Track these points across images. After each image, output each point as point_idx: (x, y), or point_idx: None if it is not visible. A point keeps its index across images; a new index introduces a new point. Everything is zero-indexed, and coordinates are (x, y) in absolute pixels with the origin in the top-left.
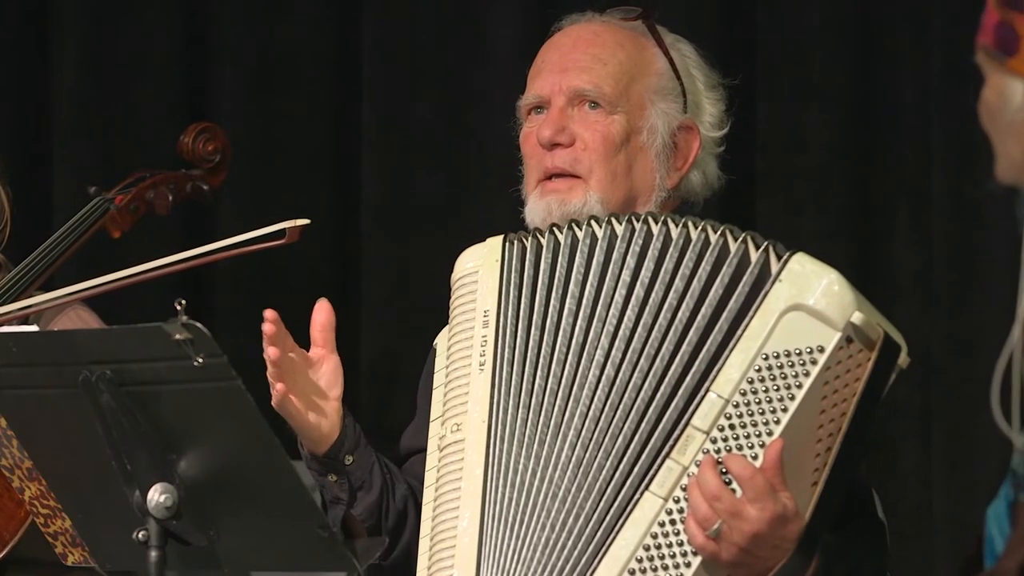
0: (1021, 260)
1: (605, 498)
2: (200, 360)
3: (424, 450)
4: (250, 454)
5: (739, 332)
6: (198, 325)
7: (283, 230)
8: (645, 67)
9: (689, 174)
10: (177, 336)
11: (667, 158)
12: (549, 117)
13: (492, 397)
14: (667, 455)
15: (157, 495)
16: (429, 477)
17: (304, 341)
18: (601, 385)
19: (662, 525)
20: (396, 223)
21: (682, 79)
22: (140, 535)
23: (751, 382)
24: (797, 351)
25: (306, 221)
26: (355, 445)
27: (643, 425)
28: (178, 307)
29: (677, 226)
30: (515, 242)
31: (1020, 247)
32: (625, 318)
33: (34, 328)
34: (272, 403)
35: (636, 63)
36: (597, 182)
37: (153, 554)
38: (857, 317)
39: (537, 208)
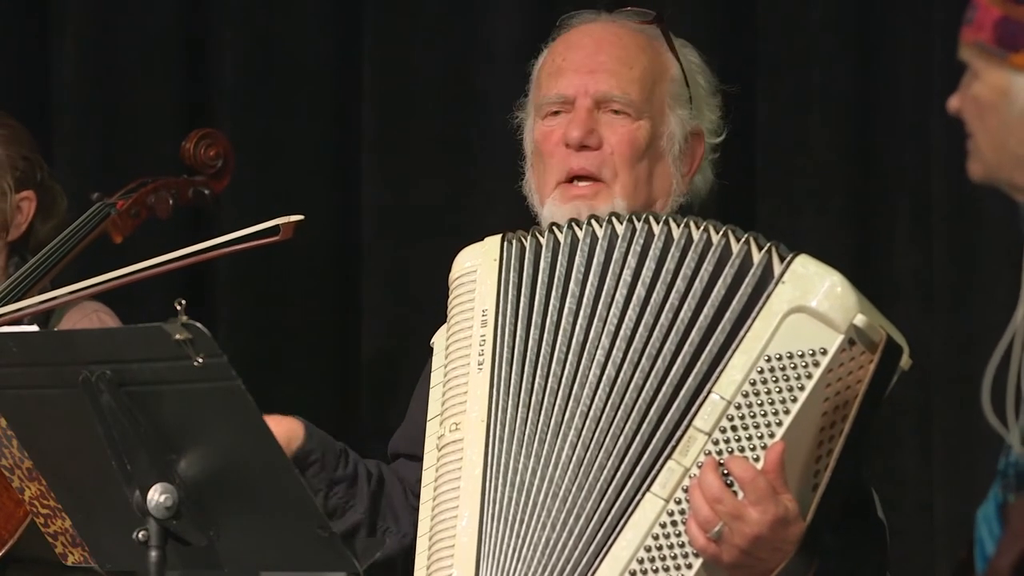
0: (1022, 272)
1: (606, 498)
2: (200, 360)
3: (412, 456)
4: (250, 454)
5: (741, 333)
6: (198, 325)
7: (277, 227)
8: (663, 72)
9: (695, 178)
10: (177, 336)
11: (681, 164)
12: (577, 118)
13: (491, 396)
14: (669, 456)
15: (157, 495)
16: (427, 476)
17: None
18: (602, 385)
19: (663, 526)
20: (396, 224)
21: (690, 84)
22: (140, 535)
23: (753, 384)
24: (800, 353)
25: (300, 217)
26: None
27: (644, 425)
28: (178, 307)
29: (679, 226)
30: (514, 241)
31: (1020, 248)
32: (626, 318)
33: (34, 328)
34: None
35: (656, 68)
36: (622, 188)
37: (153, 554)
38: (860, 319)
39: (562, 213)
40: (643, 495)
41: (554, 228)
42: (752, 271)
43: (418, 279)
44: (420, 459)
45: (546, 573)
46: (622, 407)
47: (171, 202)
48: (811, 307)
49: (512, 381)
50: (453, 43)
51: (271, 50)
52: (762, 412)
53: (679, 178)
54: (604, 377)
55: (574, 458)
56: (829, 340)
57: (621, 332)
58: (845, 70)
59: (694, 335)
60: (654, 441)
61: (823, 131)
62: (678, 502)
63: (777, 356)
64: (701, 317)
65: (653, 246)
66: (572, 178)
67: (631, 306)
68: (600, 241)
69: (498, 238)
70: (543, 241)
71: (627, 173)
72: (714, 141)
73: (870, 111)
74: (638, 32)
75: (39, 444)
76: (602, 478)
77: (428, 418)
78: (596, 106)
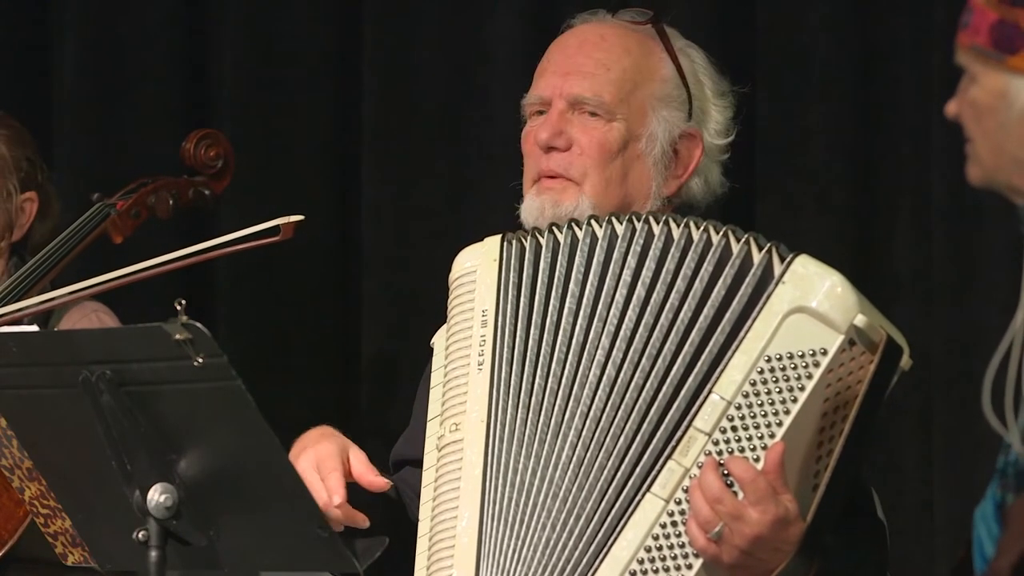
0: (1022, 272)
1: (606, 499)
2: (200, 360)
3: (417, 461)
4: (250, 454)
5: (742, 334)
6: (198, 325)
7: (277, 227)
8: (650, 73)
9: (689, 181)
10: (177, 336)
11: (665, 166)
12: (548, 120)
13: (491, 396)
14: (669, 456)
15: (157, 495)
16: (427, 476)
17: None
18: (602, 385)
19: (663, 527)
20: (396, 224)
21: (689, 86)
22: (140, 535)
23: (754, 384)
24: (800, 353)
25: (300, 217)
26: None
27: (645, 426)
28: (178, 307)
29: (679, 226)
30: (513, 241)
31: (1021, 248)
32: (626, 318)
33: (34, 328)
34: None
35: (641, 69)
36: (591, 187)
37: (153, 554)
38: (860, 320)
39: (531, 207)
40: (643, 495)
41: (554, 228)
42: (752, 271)
43: (418, 279)
44: None
45: (546, 573)
46: (622, 407)
47: (171, 202)
48: (811, 307)
49: (512, 381)
50: (453, 43)
51: (271, 50)
52: (762, 412)
53: (660, 181)
54: (604, 377)
55: (574, 458)
56: (829, 340)
57: (621, 332)
58: (845, 69)
59: (694, 335)
60: (654, 441)
61: (823, 131)
62: (678, 502)
63: (777, 356)
64: (701, 317)
65: (653, 246)
66: (545, 176)
67: (631, 306)
68: (600, 241)
69: (498, 238)
70: (543, 241)
71: (596, 174)
72: (719, 142)
73: (870, 111)
74: (630, 32)
75: (39, 444)
76: (602, 478)
77: (428, 418)
78: (570, 108)
